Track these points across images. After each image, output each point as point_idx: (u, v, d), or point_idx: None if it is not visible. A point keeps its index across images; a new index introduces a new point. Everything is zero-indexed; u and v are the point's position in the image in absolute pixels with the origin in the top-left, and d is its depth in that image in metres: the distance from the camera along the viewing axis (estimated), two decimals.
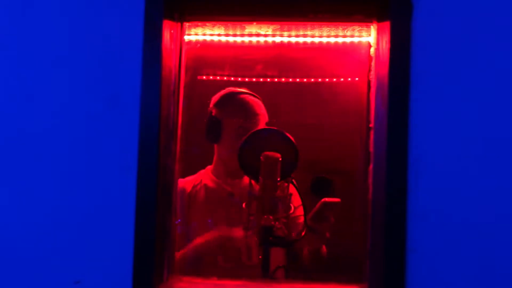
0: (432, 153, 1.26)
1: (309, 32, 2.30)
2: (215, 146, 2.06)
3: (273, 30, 2.27)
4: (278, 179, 1.58)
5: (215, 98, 2.08)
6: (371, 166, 1.38)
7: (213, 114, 2.03)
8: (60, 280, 1.32)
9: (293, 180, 1.72)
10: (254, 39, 2.37)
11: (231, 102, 2.06)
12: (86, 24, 1.35)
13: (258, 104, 2.05)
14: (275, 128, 1.79)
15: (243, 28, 2.27)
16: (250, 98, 2.05)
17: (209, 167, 2.07)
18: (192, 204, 2.01)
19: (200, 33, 2.37)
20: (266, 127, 1.99)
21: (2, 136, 1.36)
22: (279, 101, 2.61)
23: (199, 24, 2.22)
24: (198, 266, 1.96)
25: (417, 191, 1.25)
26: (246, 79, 2.58)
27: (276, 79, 2.59)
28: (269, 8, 1.43)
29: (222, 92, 2.09)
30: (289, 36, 2.33)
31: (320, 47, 2.37)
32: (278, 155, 1.58)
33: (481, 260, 1.24)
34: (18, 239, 1.34)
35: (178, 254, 1.90)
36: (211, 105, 2.06)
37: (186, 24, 1.51)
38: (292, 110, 2.53)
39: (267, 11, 1.48)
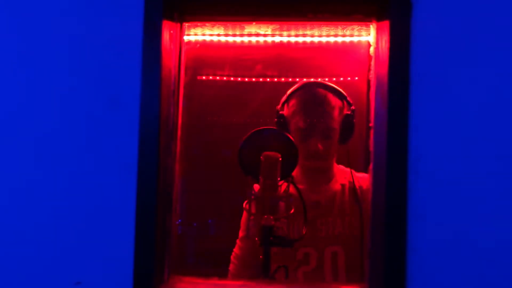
0: (432, 153, 1.26)
1: (308, 32, 2.30)
2: None
3: (273, 30, 2.27)
4: (278, 179, 1.58)
5: (285, 94, 1.95)
6: (371, 166, 1.38)
7: (280, 112, 1.93)
8: (60, 281, 1.32)
9: (293, 180, 1.72)
10: (253, 39, 2.37)
11: (294, 97, 1.91)
12: (85, 25, 1.34)
13: (324, 97, 1.89)
14: (275, 128, 1.79)
15: (243, 28, 2.27)
16: (316, 91, 1.91)
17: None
18: None
19: (200, 33, 2.37)
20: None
21: (2, 136, 1.35)
22: (279, 101, 2.61)
23: (199, 24, 2.22)
24: None
25: (417, 191, 1.25)
26: (246, 79, 2.58)
27: (276, 79, 2.59)
28: (269, 8, 1.43)
29: (294, 86, 1.95)
30: (289, 36, 2.33)
31: (320, 46, 2.37)
32: (278, 155, 1.58)
33: (481, 260, 1.24)
34: (18, 240, 1.34)
35: None
36: (281, 102, 1.95)
37: (186, 24, 1.51)
38: None
39: (266, 11, 1.48)
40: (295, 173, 1.80)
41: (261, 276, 1.80)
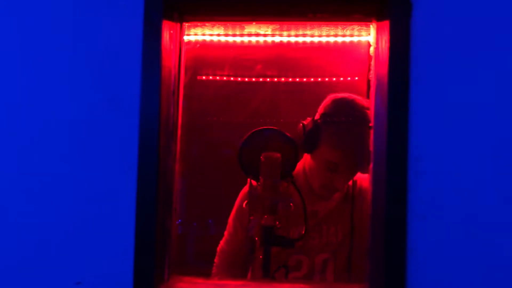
0: (432, 153, 1.26)
1: (308, 32, 2.30)
2: (305, 155, 1.87)
3: (273, 30, 2.27)
4: (278, 179, 1.58)
5: (325, 104, 1.84)
6: (371, 165, 1.38)
7: (318, 122, 1.79)
8: (60, 281, 1.32)
9: (293, 180, 1.72)
10: (253, 39, 2.38)
11: (342, 129, 1.77)
12: (85, 25, 1.34)
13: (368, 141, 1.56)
14: (275, 128, 1.79)
15: (243, 28, 2.27)
16: (364, 133, 1.67)
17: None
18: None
19: (200, 33, 2.37)
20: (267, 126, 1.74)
21: (2, 136, 1.35)
22: (279, 101, 2.62)
23: (199, 24, 2.22)
24: None
25: (417, 191, 1.25)
26: (246, 79, 2.58)
27: (276, 79, 2.59)
28: (269, 8, 1.43)
29: (332, 97, 1.86)
30: (289, 36, 2.33)
31: (320, 46, 2.38)
32: (278, 155, 1.58)
33: (481, 259, 1.24)
34: (18, 240, 1.34)
35: None
36: (320, 110, 1.84)
37: (186, 24, 1.51)
38: (292, 110, 2.53)
39: (266, 11, 1.48)
40: (296, 174, 1.78)
41: (248, 275, 1.80)
